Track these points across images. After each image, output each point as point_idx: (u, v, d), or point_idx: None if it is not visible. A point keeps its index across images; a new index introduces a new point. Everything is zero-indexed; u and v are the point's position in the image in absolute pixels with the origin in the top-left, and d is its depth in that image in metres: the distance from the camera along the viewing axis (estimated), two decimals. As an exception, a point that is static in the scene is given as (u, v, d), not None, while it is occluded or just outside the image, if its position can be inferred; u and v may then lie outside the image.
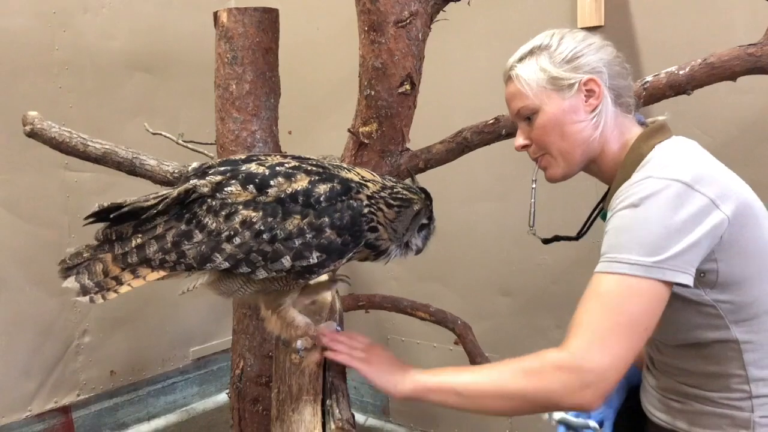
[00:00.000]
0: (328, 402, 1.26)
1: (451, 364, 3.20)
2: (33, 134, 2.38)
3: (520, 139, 1.45)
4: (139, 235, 1.33)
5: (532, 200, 1.62)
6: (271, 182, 1.31)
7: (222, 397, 3.94)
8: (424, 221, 1.46)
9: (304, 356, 1.37)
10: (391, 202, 1.37)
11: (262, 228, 1.27)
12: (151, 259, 1.31)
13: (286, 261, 1.28)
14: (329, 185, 1.33)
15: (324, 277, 1.68)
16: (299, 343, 1.42)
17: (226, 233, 1.28)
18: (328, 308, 1.58)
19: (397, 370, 1.35)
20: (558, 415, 1.47)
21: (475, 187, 3.26)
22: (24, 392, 3.23)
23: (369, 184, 1.38)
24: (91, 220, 1.41)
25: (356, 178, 1.38)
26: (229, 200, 1.29)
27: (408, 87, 2.02)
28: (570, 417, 1.46)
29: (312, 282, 1.52)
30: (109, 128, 3.30)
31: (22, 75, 3.15)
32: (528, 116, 1.40)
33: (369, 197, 1.36)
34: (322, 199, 1.30)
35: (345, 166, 1.44)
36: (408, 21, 1.96)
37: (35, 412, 3.28)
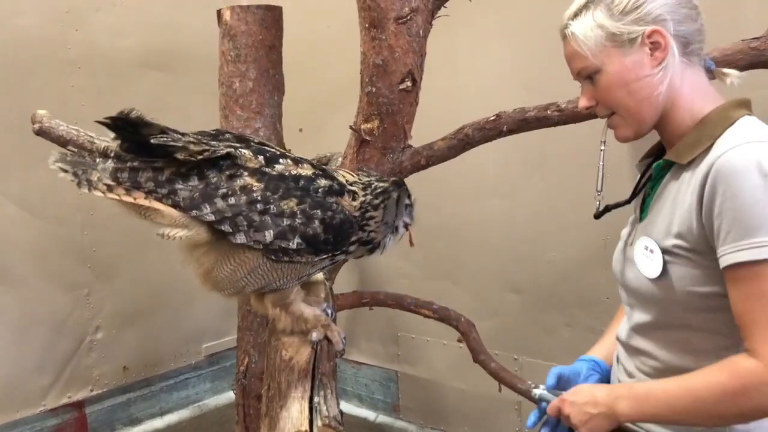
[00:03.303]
0: (316, 399, 1.26)
1: (460, 362, 3.21)
2: (41, 132, 2.41)
3: (584, 100, 1.34)
4: (137, 161, 1.33)
5: (601, 163, 1.47)
6: (281, 160, 1.37)
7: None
8: (408, 202, 1.50)
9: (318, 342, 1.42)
10: (376, 201, 1.41)
11: (258, 198, 1.31)
12: (141, 184, 1.32)
13: (269, 234, 1.32)
14: (329, 182, 1.38)
15: (320, 276, 1.70)
16: (314, 335, 1.46)
17: (224, 190, 1.31)
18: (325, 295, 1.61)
19: (593, 411, 1.30)
20: (538, 392, 1.46)
21: (484, 184, 3.24)
22: (38, 387, 3.28)
23: (356, 188, 1.41)
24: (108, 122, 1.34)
25: (346, 182, 1.42)
26: (239, 161, 1.33)
27: (409, 84, 2.01)
28: (550, 395, 1.44)
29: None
30: (121, 126, 3.34)
31: (34, 74, 3.20)
32: (589, 75, 1.31)
33: (361, 205, 1.41)
34: (320, 191, 1.36)
35: (333, 169, 1.47)
36: (408, 17, 1.95)
37: (49, 407, 3.33)
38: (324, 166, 1.45)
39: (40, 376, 3.29)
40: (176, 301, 3.76)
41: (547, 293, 3.11)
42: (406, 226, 1.52)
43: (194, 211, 1.30)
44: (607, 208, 1.47)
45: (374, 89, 2.01)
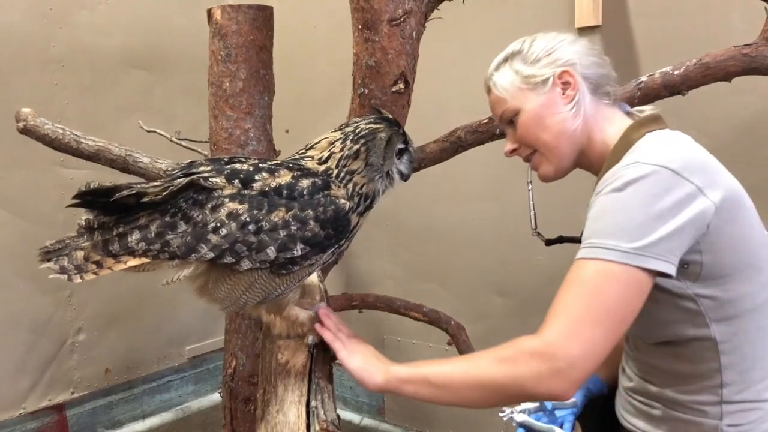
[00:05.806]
0: (313, 403, 1.24)
1: (447, 365, 3.20)
2: (26, 131, 2.38)
3: (508, 144, 1.47)
4: (121, 225, 1.31)
5: (531, 202, 1.62)
6: (256, 177, 1.33)
7: (218, 396, 3.93)
8: (401, 146, 1.44)
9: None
10: (357, 147, 1.36)
11: (247, 219, 1.29)
12: (134, 248, 1.30)
13: (271, 252, 1.30)
14: (311, 180, 1.35)
15: (314, 278, 1.68)
16: (310, 339, 1.45)
17: (212, 225, 1.29)
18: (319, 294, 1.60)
19: (375, 362, 1.33)
20: (519, 418, 1.45)
21: (471, 187, 3.24)
22: (18, 390, 3.22)
23: (330, 161, 1.37)
24: (76, 201, 1.36)
25: (321, 168, 1.38)
26: (216, 193, 1.30)
27: (402, 86, 2.01)
28: (532, 421, 1.43)
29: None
30: (105, 126, 3.30)
31: (17, 72, 3.14)
32: (511, 119, 1.42)
33: (337, 177, 1.36)
34: (305, 192, 1.33)
35: (302, 154, 1.43)
36: (402, 19, 1.95)
37: (29, 410, 3.27)
38: (299, 163, 1.40)
39: (20, 379, 3.23)
40: (159, 303, 3.72)
41: (533, 296, 3.11)
42: (402, 176, 1.46)
43: (193, 255, 1.28)
44: (561, 239, 1.65)
45: (366, 91, 2.00)
